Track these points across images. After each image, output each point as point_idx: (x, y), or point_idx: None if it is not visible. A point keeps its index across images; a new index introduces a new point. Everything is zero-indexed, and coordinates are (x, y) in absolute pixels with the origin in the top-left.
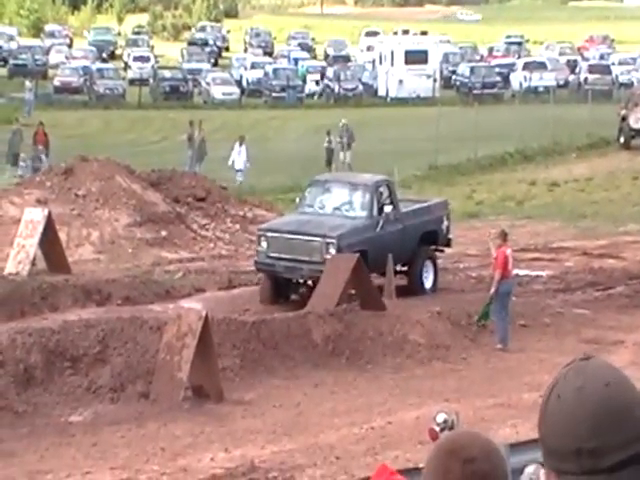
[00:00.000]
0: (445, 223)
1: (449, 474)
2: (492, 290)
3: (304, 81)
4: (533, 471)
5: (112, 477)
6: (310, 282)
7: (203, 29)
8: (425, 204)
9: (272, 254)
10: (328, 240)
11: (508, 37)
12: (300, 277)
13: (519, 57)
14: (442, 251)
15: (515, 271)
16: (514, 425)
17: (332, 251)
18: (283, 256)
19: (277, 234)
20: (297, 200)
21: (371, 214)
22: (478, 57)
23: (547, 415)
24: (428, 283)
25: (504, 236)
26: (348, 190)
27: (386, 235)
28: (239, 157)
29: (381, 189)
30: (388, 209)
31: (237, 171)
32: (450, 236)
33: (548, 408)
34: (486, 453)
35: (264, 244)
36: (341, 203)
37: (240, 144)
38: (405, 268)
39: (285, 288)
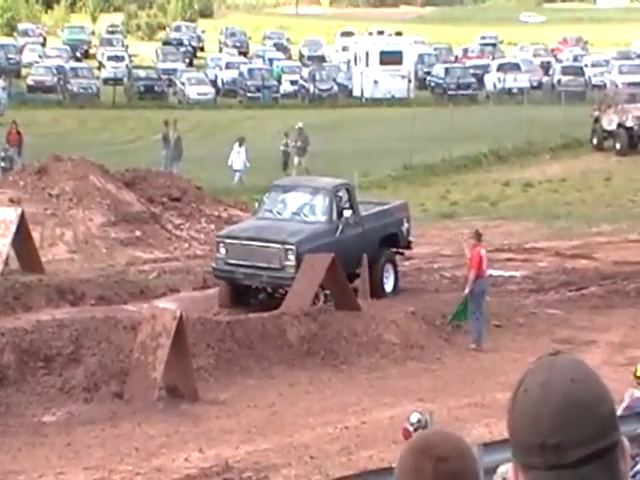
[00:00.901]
0: (405, 225)
1: (421, 473)
2: (467, 290)
3: (279, 81)
4: (506, 470)
5: (85, 477)
6: (269, 288)
7: (178, 29)
8: (385, 207)
9: (231, 261)
10: (287, 246)
11: (483, 38)
12: (259, 283)
13: (493, 58)
14: (402, 254)
15: (489, 271)
16: (488, 425)
17: (291, 257)
18: (242, 263)
19: (236, 240)
20: (256, 205)
21: (330, 219)
22: (453, 58)
23: (514, 409)
24: (389, 286)
25: (478, 236)
26: (307, 195)
27: (346, 239)
28: (238, 158)
29: (340, 193)
30: (347, 213)
31: (235, 171)
32: (410, 238)
33: (515, 402)
34: (458, 452)
35: (222, 251)
36: (300, 208)
37: (240, 145)
38: None
39: (244, 294)
